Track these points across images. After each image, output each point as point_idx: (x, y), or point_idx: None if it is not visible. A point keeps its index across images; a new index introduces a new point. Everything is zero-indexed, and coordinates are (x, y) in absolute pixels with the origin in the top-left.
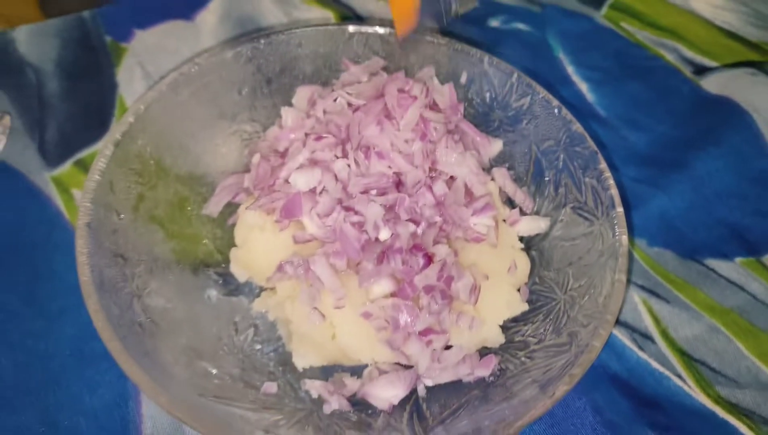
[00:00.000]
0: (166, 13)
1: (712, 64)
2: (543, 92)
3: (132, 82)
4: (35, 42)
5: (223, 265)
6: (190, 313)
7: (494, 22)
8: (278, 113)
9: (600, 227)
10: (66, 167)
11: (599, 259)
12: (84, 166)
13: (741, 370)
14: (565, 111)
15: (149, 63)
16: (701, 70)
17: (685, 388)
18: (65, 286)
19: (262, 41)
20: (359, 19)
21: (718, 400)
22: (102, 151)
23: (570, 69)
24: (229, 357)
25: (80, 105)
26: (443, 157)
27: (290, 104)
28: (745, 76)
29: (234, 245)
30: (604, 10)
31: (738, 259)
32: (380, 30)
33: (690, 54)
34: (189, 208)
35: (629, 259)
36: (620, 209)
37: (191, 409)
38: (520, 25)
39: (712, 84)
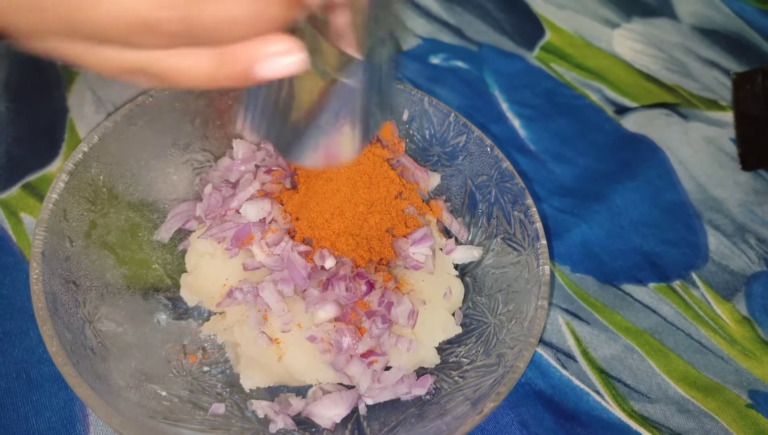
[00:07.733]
0: None
1: (632, 104)
2: (477, 131)
3: (82, 106)
4: None
5: (173, 290)
6: (140, 336)
7: (434, 60)
8: (229, 144)
9: (526, 257)
10: (14, 191)
11: (525, 286)
12: (32, 189)
13: (652, 387)
14: (496, 150)
15: (100, 88)
16: (622, 110)
17: (603, 403)
18: (12, 309)
19: None
20: None
21: (632, 414)
22: (56, 181)
23: (504, 106)
24: (178, 379)
25: (29, 128)
26: None
27: (242, 136)
28: (661, 116)
29: (184, 271)
30: (536, 51)
31: (651, 285)
32: None
33: (612, 94)
34: (140, 235)
35: (552, 286)
36: (544, 242)
37: (142, 430)
38: (459, 63)
39: (630, 123)
